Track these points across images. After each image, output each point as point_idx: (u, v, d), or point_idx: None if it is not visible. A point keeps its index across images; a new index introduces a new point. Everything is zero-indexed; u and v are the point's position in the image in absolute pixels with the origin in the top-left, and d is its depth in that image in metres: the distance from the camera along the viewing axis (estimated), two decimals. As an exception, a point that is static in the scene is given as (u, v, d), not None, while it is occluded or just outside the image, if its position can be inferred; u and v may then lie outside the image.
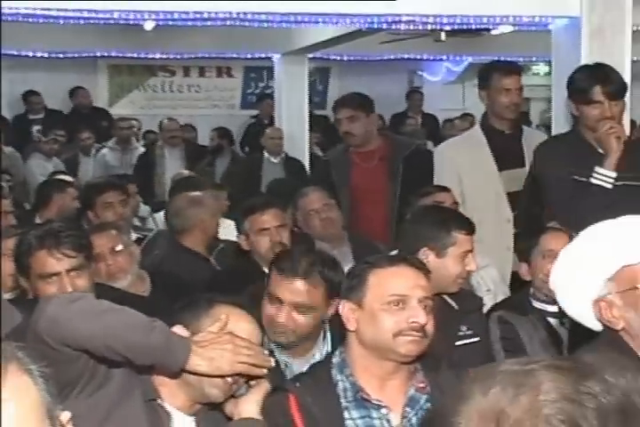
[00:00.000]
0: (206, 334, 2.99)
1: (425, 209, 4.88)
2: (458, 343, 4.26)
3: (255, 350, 3.04)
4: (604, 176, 5.11)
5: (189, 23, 7.91)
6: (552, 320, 4.50)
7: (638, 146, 5.34)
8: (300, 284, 3.84)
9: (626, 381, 1.58)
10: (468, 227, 4.36)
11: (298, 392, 3.14)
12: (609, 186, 5.11)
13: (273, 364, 3.11)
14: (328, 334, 3.97)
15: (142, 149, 12.31)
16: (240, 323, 3.08)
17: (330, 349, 3.89)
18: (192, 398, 3.03)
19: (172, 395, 3.02)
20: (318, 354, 3.91)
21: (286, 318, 3.80)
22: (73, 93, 14.34)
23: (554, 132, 6.88)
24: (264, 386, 3.10)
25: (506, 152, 6.03)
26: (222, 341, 2.97)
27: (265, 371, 3.04)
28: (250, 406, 3.05)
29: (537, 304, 4.55)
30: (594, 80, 5.24)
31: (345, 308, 3.23)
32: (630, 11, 6.55)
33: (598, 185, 5.11)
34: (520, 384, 1.54)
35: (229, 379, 2.98)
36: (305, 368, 3.62)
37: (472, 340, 4.32)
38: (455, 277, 4.22)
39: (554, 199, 5.21)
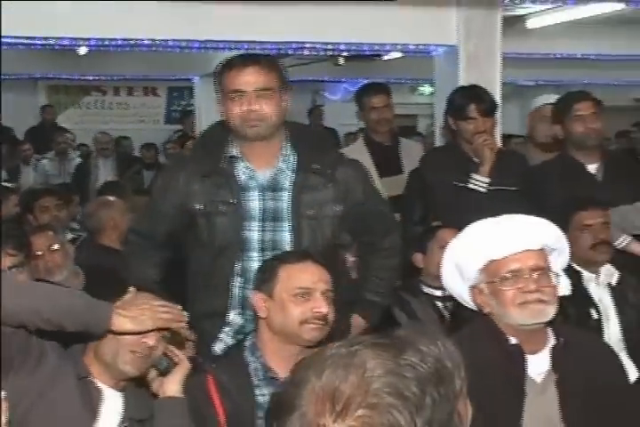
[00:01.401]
0: (123, 300, 3.02)
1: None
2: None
3: (170, 306, 3.06)
4: (479, 182, 5.19)
5: (119, 49, 7.85)
6: (438, 303, 4.58)
7: (507, 156, 5.42)
8: (250, 69, 3.71)
9: (437, 348, 1.62)
10: None
11: (214, 372, 3.16)
12: (483, 190, 5.19)
13: (186, 318, 3.12)
14: (289, 145, 3.86)
15: (79, 160, 12.24)
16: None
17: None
18: (112, 374, 3.04)
19: (100, 373, 3.03)
20: (282, 163, 3.82)
21: (253, 103, 3.69)
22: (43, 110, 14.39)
23: (437, 144, 6.98)
24: (185, 367, 3.13)
25: (385, 161, 6.10)
26: (139, 302, 3.01)
27: (183, 324, 3.09)
28: (173, 385, 3.08)
29: (426, 289, 4.64)
30: (469, 99, 5.32)
31: (257, 298, 3.25)
32: (500, 40, 6.66)
33: (474, 189, 5.19)
34: (348, 364, 1.55)
35: (139, 354, 3.00)
36: (267, 177, 3.77)
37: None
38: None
39: (439, 202, 5.28)
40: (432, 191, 5.33)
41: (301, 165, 3.79)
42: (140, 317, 2.94)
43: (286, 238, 3.76)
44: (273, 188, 3.78)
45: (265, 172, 3.79)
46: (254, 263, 3.70)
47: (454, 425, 1.55)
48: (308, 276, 3.24)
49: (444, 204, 5.19)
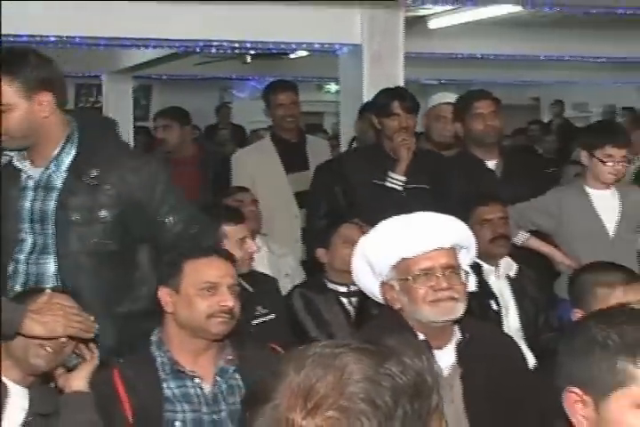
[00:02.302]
0: (38, 303, 2.96)
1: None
2: (256, 322, 4.30)
3: (83, 316, 3.02)
4: (396, 180, 5.22)
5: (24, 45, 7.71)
6: (343, 299, 4.57)
7: (423, 155, 5.44)
8: None
9: (420, 361, 1.62)
10: (236, 217, 4.41)
11: (121, 367, 3.12)
12: (400, 188, 5.21)
13: (96, 330, 3.08)
14: (70, 142, 3.49)
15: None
16: None
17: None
18: (22, 369, 2.99)
19: (7, 369, 2.98)
20: (55, 163, 3.47)
21: None
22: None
23: (342, 140, 7.00)
24: (92, 363, 3.09)
25: (292, 158, 6.09)
26: (54, 308, 2.96)
27: (92, 335, 3.04)
28: (79, 381, 3.04)
29: (330, 285, 4.60)
30: (392, 97, 5.39)
31: (163, 293, 3.22)
32: (402, 40, 6.70)
33: (392, 187, 5.22)
34: (328, 365, 1.55)
35: (50, 349, 2.96)
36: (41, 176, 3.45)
37: (269, 317, 4.37)
38: (242, 259, 4.21)
39: (360, 200, 5.28)
40: (353, 190, 5.33)
41: (76, 166, 3.44)
42: (51, 323, 2.91)
43: (51, 242, 3.44)
44: (45, 187, 3.46)
45: (39, 170, 3.48)
46: (21, 266, 3.45)
47: None
48: (214, 270, 3.20)
49: (364, 202, 5.20)
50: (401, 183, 5.22)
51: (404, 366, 1.57)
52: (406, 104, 5.38)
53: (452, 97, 6.00)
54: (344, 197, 5.38)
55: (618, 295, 3.28)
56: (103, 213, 3.40)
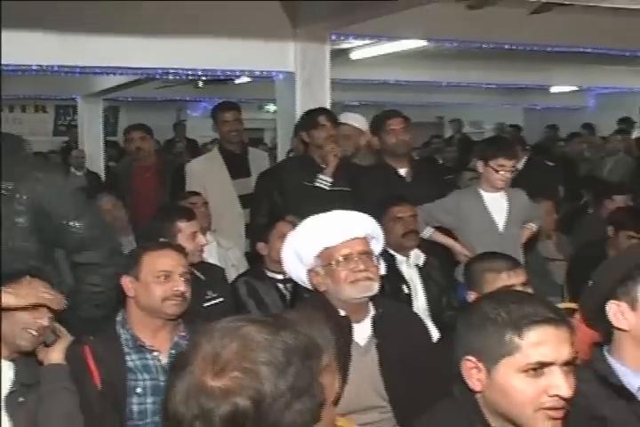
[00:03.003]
0: (16, 283, 2.91)
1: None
2: (206, 304, 4.27)
3: (54, 293, 2.97)
4: (324, 181, 5.23)
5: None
6: (280, 285, 4.55)
7: (345, 163, 5.46)
8: None
9: (312, 329, 1.63)
10: (189, 215, 4.40)
11: (91, 343, 3.07)
12: (327, 188, 5.23)
13: (65, 304, 3.02)
14: None
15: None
16: None
17: None
18: (9, 349, 2.93)
19: None
20: None
21: None
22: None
23: (279, 151, 6.99)
24: (67, 339, 3.04)
25: (236, 166, 6.03)
26: (29, 286, 2.92)
27: (62, 306, 2.98)
28: (56, 355, 2.98)
29: (269, 274, 4.57)
30: (319, 112, 5.46)
31: (125, 281, 3.17)
32: (329, 68, 6.71)
33: (320, 187, 5.22)
34: (233, 335, 1.57)
35: (34, 332, 2.92)
36: None
37: (217, 300, 4.34)
38: (193, 251, 4.19)
39: (292, 199, 5.26)
40: (288, 191, 5.32)
41: None
42: (25, 295, 2.85)
43: None
44: None
45: None
46: None
47: (315, 394, 1.56)
48: (168, 261, 3.17)
49: (297, 201, 5.18)
50: (328, 184, 5.23)
51: (296, 334, 1.60)
52: (331, 116, 5.43)
53: (353, 117, 6.09)
54: (281, 198, 5.36)
55: (503, 279, 3.32)
56: (20, 220, 3.25)
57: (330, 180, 5.24)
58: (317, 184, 5.23)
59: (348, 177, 5.31)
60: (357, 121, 6.04)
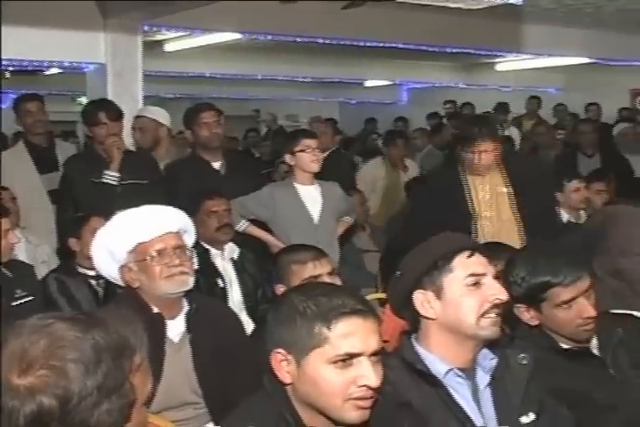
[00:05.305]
0: None
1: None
2: (15, 303, 4.12)
3: None
4: (111, 176, 5.15)
5: None
6: (92, 281, 4.45)
7: (136, 155, 5.43)
8: None
9: (125, 328, 1.63)
10: (2, 212, 4.21)
11: None
12: (115, 183, 5.13)
13: None
14: None
15: None
16: None
17: None
18: None
19: None
20: None
21: None
22: None
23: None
24: None
25: (43, 160, 5.84)
26: None
27: None
28: None
29: (81, 270, 4.47)
30: (99, 108, 5.32)
31: None
32: (141, 60, 6.60)
33: (108, 183, 5.12)
34: (42, 332, 1.55)
35: None
36: None
37: (26, 299, 4.18)
38: (5, 249, 4.02)
39: (82, 197, 5.15)
40: (75, 189, 5.20)
41: None
42: None
43: None
44: None
45: None
46: None
47: (125, 393, 1.55)
48: None
49: (87, 198, 5.08)
50: (115, 179, 5.15)
51: (107, 332, 1.58)
52: (111, 114, 5.30)
53: (151, 110, 6.07)
54: (69, 195, 5.25)
55: (309, 269, 3.37)
56: None
57: (117, 174, 5.16)
58: (105, 180, 5.14)
59: (144, 169, 5.26)
60: (155, 114, 6.01)
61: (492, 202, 4.61)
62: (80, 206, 4.96)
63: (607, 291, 3.60)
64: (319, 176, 5.14)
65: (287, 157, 5.07)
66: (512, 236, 4.51)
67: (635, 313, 3.47)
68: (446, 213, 4.48)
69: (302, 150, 4.96)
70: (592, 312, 2.71)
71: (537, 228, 4.55)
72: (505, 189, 4.64)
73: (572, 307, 2.70)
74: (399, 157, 8.35)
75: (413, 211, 5.10)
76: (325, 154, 7.07)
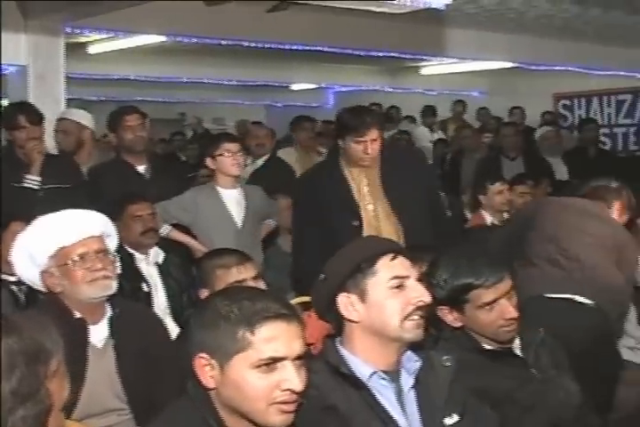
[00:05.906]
0: None
1: None
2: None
3: None
4: (33, 180, 5.06)
5: None
6: (13, 287, 4.36)
7: (58, 158, 5.35)
8: None
9: (45, 333, 1.62)
10: None
11: None
12: (37, 188, 5.05)
13: None
14: None
15: None
16: None
17: None
18: None
19: None
20: None
21: None
22: None
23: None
24: None
25: None
26: None
27: None
28: None
29: (3, 276, 4.37)
30: (19, 112, 5.20)
31: None
32: (63, 62, 6.52)
33: (29, 188, 5.03)
34: None
35: None
36: None
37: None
38: None
39: (1, 202, 5.03)
40: None
41: None
42: None
43: None
44: None
45: None
46: None
47: (40, 399, 1.52)
48: None
49: (8, 203, 4.97)
50: (36, 183, 5.06)
51: (20, 337, 1.56)
52: (32, 117, 5.19)
53: (74, 113, 5.98)
54: None
55: (234, 274, 3.37)
56: None
57: (38, 179, 5.07)
58: (26, 184, 5.05)
59: (66, 173, 5.18)
60: (78, 116, 5.93)
61: (372, 194, 4.54)
62: (0, 211, 4.86)
63: (543, 276, 3.68)
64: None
65: (208, 161, 5.06)
66: (390, 229, 4.45)
67: (576, 298, 3.56)
68: (332, 209, 4.45)
69: (221, 154, 4.96)
70: (514, 313, 2.76)
71: (417, 221, 4.46)
72: (380, 182, 4.55)
73: (494, 308, 2.75)
74: (309, 142, 7.88)
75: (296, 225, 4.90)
76: (266, 157, 7.08)
